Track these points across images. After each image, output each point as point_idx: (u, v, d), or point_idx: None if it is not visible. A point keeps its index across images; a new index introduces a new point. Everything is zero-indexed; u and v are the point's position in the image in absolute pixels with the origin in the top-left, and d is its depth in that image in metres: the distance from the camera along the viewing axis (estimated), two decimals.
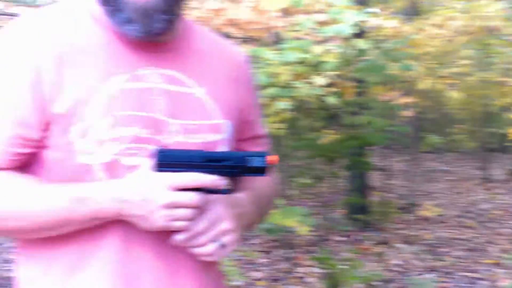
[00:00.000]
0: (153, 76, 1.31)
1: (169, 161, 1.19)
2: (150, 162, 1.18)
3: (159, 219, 1.16)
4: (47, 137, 1.25)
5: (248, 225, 1.42)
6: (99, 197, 1.19)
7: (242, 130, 1.49)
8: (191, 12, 5.46)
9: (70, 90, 1.23)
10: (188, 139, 1.32)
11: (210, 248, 1.25)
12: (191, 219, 1.19)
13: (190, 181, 1.17)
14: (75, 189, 1.20)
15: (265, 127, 1.60)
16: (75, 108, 1.22)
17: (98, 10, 1.30)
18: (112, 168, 1.25)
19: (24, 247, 1.37)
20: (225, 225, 1.26)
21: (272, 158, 1.27)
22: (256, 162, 1.25)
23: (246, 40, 5.93)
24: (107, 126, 1.24)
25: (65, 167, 1.24)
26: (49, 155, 1.26)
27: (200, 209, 1.20)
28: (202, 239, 1.25)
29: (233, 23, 5.24)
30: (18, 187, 1.23)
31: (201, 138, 1.34)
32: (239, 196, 1.38)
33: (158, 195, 1.15)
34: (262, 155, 1.26)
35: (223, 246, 1.26)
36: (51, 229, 1.24)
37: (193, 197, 1.17)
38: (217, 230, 1.25)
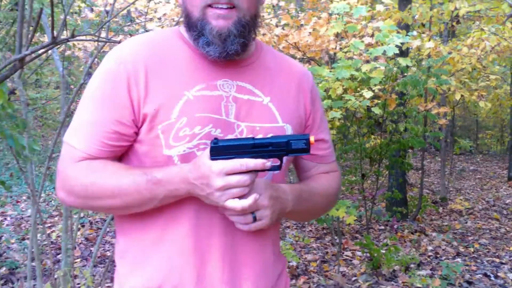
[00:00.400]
0: (226, 86, 1.36)
1: (222, 150, 1.19)
2: (208, 152, 1.19)
3: (217, 198, 1.19)
4: (139, 133, 1.31)
5: (288, 213, 1.38)
6: (171, 180, 1.23)
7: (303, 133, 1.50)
8: (262, 37, 5.50)
9: (158, 95, 1.30)
10: None
11: (246, 218, 1.28)
12: (242, 196, 1.20)
13: (239, 166, 1.17)
14: (154, 175, 1.24)
15: (327, 133, 1.57)
16: (161, 109, 1.29)
17: (185, 34, 1.39)
18: (188, 159, 1.29)
19: (119, 224, 1.44)
20: (263, 200, 1.27)
21: (313, 140, 1.25)
22: (299, 144, 1.24)
23: (305, 60, 5.92)
24: (186, 125, 1.29)
25: (151, 157, 1.30)
26: (140, 148, 1.33)
27: (250, 187, 1.21)
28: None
29: (295, 46, 5.25)
30: (112, 172, 1.28)
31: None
32: (283, 185, 1.38)
33: (213, 180, 1.17)
34: (304, 137, 1.24)
35: (255, 218, 1.28)
36: (137, 206, 1.29)
37: (241, 179, 1.17)
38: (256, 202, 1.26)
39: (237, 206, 1.22)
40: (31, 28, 2.37)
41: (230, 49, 1.30)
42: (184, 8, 1.36)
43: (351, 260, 5.52)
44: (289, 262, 5.04)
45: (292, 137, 1.25)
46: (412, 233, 6.59)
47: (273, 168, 1.26)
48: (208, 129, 1.31)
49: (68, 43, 3.94)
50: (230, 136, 1.33)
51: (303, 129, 1.49)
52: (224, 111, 1.34)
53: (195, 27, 1.31)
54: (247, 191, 1.20)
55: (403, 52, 6.67)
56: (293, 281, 4.81)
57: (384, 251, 5.18)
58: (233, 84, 1.37)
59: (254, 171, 1.21)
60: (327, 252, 5.75)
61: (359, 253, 5.67)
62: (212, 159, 1.19)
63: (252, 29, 1.37)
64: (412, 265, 5.26)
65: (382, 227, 6.88)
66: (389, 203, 7.32)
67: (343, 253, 5.68)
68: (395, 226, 6.78)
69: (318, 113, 1.53)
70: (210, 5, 1.28)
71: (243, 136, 1.35)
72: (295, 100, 1.46)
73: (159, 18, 6.89)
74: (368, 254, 5.37)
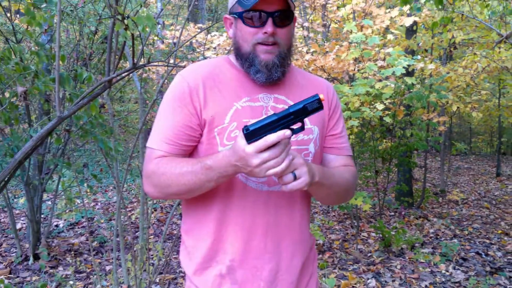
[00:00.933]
0: (266, 98, 1.38)
1: (254, 133, 1.14)
2: (241, 137, 1.14)
3: (258, 173, 1.14)
4: (201, 135, 1.34)
5: (317, 182, 1.29)
6: (219, 164, 1.20)
7: (325, 138, 1.49)
8: (295, 62, 5.49)
9: (214, 105, 1.32)
10: None
11: (287, 177, 1.20)
12: (280, 163, 1.13)
13: (264, 143, 1.11)
14: (206, 162, 1.22)
15: (343, 129, 1.53)
16: (216, 116, 1.31)
17: (234, 61, 1.42)
18: None
19: (185, 209, 1.46)
20: (297, 159, 1.20)
21: (322, 97, 1.19)
22: (314, 105, 1.18)
23: (330, 79, 5.87)
24: (236, 128, 1.31)
25: (209, 154, 1.30)
26: (200, 147, 1.35)
27: (284, 153, 1.14)
28: (281, 168, 1.18)
29: (321, 68, 5.21)
30: (177, 163, 1.28)
31: (297, 137, 1.38)
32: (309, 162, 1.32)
33: (250, 161, 1.12)
34: (315, 98, 1.18)
35: (295, 177, 1.20)
36: (198, 188, 1.27)
37: (272, 152, 1.12)
38: (292, 162, 1.19)
39: (276, 170, 1.16)
40: (116, 56, 2.42)
41: (274, 76, 1.34)
42: (236, 41, 1.38)
43: (367, 240, 5.45)
44: (317, 240, 5.01)
45: (305, 101, 1.19)
46: (416, 219, 6.45)
47: (296, 131, 1.20)
48: None
49: (145, 68, 4.01)
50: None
51: (326, 129, 1.49)
52: (265, 114, 1.35)
53: (246, 58, 1.34)
54: (283, 160, 1.13)
55: (409, 73, 6.54)
56: (320, 255, 4.77)
57: (393, 233, 5.10)
58: (270, 97, 1.38)
59: (282, 142, 1.15)
60: (347, 233, 5.69)
61: (373, 234, 5.60)
62: (249, 143, 1.14)
63: (289, 58, 1.39)
64: (416, 244, 5.16)
65: (392, 213, 6.77)
66: (397, 194, 7.20)
67: (360, 234, 5.61)
68: (403, 213, 6.67)
69: (337, 115, 1.51)
70: (259, 43, 1.32)
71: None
72: None
73: (215, 48, 6.94)
74: (380, 235, 5.29)
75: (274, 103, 1.38)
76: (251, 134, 1.14)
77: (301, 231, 1.45)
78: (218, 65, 1.41)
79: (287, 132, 1.12)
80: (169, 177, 1.27)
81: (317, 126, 1.43)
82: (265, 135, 1.13)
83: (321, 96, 1.17)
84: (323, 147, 1.51)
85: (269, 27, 1.29)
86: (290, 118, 1.17)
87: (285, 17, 1.31)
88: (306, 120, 1.39)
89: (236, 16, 1.35)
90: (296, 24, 6.77)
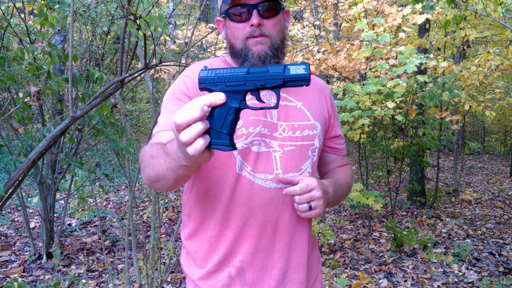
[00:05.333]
0: (268, 96, 1.40)
1: (208, 79, 1.01)
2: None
3: (182, 140, 0.93)
4: None
5: (329, 202, 1.39)
6: (173, 146, 1.04)
7: (327, 130, 1.52)
8: (306, 61, 5.47)
9: None
10: (293, 134, 1.37)
11: (302, 206, 1.28)
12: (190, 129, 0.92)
13: (192, 106, 0.92)
14: (167, 145, 1.10)
15: (341, 130, 1.60)
16: None
17: (230, 60, 1.44)
18: (246, 153, 1.32)
19: (187, 213, 1.44)
20: (315, 192, 1.27)
21: (314, 68, 1.03)
22: (299, 70, 1.00)
23: (341, 78, 5.85)
24: (242, 126, 1.31)
25: (216, 152, 1.29)
26: None
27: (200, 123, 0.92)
28: (299, 198, 1.28)
29: (333, 67, 5.19)
30: (154, 147, 1.19)
31: (302, 133, 1.39)
32: (324, 181, 1.38)
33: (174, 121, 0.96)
34: (303, 63, 1.02)
35: (311, 208, 1.28)
36: (164, 177, 1.12)
37: (189, 114, 0.91)
38: (309, 195, 1.27)
39: (290, 191, 1.26)
40: (129, 56, 2.44)
41: None
42: (229, 41, 1.40)
43: (378, 239, 5.42)
44: (328, 240, 4.99)
45: (290, 64, 1.02)
46: (429, 218, 6.40)
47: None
48: (259, 129, 1.33)
49: (156, 68, 4.03)
50: (275, 134, 1.35)
51: (327, 127, 1.53)
52: (269, 114, 1.36)
53: (239, 55, 1.35)
54: (202, 126, 0.91)
55: (422, 71, 6.49)
56: (331, 255, 4.75)
57: (405, 233, 5.07)
58: (273, 94, 1.40)
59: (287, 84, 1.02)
60: (359, 233, 5.66)
61: (385, 234, 5.56)
62: (201, 89, 1.03)
63: (282, 51, 1.39)
64: (429, 244, 5.12)
65: (404, 213, 6.72)
66: (410, 194, 7.15)
67: (372, 233, 5.58)
68: (415, 212, 6.62)
69: (336, 115, 1.58)
70: (248, 37, 1.32)
71: (285, 133, 1.36)
72: (320, 104, 1.49)
73: (226, 48, 6.95)
74: (392, 235, 5.26)
75: (275, 100, 1.39)
76: (204, 80, 1.03)
77: (308, 229, 1.46)
78: (216, 65, 1.44)
79: (218, 96, 0.94)
80: (145, 160, 1.20)
81: (319, 122, 1.45)
82: (220, 89, 1.01)
83: (312, 67, 1.02)
84: (326, 146, 1.56)
85: (254, 19, 1.30)
86: (264, 80, 1.01)
87: (270, 8, 1.32)
88: (308, 114, 1.41)
89: (224, 15, 1.37)
90: (307, 23, 6.76)
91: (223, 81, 1.01)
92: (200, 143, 0.91)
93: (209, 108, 0.94)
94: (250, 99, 1.31)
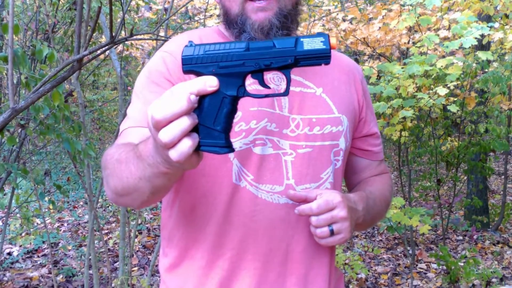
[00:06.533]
0: (277, 79, 1.37)
1: (193, 59, 1.00)
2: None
3: (160, 137, 0.92)
4: None
5: (358, 224, 1.38)
6: (147, 148, 1.03)
7: (357, 127, 1.52)
8: (328, 32, 5.48)
9: None
10: (310, 131, 1.36)
11: (320, 230, 1.26)
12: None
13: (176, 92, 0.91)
14: (139, 146, 1.08)
15: (376, 126, 1.59)
16: None
17: (224, 31, 1.44)
18: (245, 156, 1.31)
19: (167, 237, 1.45)
20: (338, 212, 1.26)
21: (334, 41, 1.00)
22: (316, 45, 0.99)
23: (375, 56, 5.85)
24: (241, 119, 1.30)
25: (208, 156, 1.22)
26: None
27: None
28: (316, 220, 1.26)
29: (364, 41, 5.20)
30: (121, 149, 1.18)
31: (323, 129, 1.38)
32: (351, 195, 1.38)
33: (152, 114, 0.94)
34: (321, 35, 1.00)
35: (333, 232, 1.26)
36: (135, 189, 1.12)
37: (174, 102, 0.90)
38: (330, 214, 1.25)
39: (305, 209, 1.25)
40: (89, 28, 2.45)
41: None
42: (222, 5, 1.39)
43: (425, 273, 5.41)
44: (357, 274, 4.99)
45: (302, 36, 1.00)
46: (494, 244, 6.39)
47: (274, 94, 1.05)
48: (263, 124, 1.32)
49: (126, 42, 4.04)
50: (285, 131, 1.35)
51: (357, 122, 1.52)
52: (277, 104, 1.35)
53: (235, 23, 1.34)
54: (189, 122, 0.89)
55: (484, 47, 6.48)
56: None
57: (462, 264, 5.06)
58: (283, 78, 1.37)
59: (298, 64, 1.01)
60: (399, 264, 5.66)
61: (434, 266, 5.56)
62: (186, 72, 1.02)
63: (295, 19, 1.38)
64: (494, 280, 5.11)
65: (460, 238, 6.72)
66: (468, 211, 7.14)
67: (416, 265, 5.58)
68: (475, 237, 6.61)
69: (370, 106, 1.56)
70: None
71: (300, 130, 1.36)
72: (348, 91, 1.48)
73: (218, 15, 6.97)
74: (444, 267, 5.25)
75: (293, 87, 1.38)
76: (190, 60, 1.01)
77: (330, 260, 1.45)
78: (206, 38, 1.43)
79: (209, 81, 0.93)
80: (109, 167, 1.19)
81: (346, 116, 1.44)
82: (211, 72, 1.00)
83: (333, 40, 1.00)
84: (356, 148, 1.55)
85: None
86: (269, 58, 1.00)
87: None
88: (330, 104, 1.40)
89: None
90: None
91: (215, 60, 1.00)
92: (187, 145, 0.89)
93: (197, 98, 0.92)
94: (251, 84, 1.30)
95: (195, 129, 0.92)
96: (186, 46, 1.02)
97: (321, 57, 1.00)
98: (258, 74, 1.03)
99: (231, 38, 1.42)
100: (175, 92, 0.89)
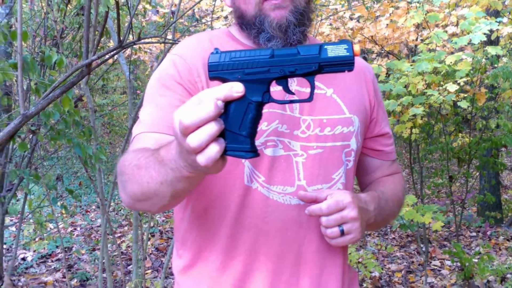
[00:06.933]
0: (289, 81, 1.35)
1: (219, 66, 1.02)
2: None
3: (188, 144, 0.92)
4: None
5: (369, 224, 1.38)
6: (170, 153, 1.04)
7: (368, 127, 1.52)
8: (336, 31, 5.48)
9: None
10: (321, 132, 1.36)
11: (330, 231, 1.26)
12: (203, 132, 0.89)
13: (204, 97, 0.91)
14: (160, 152, 1.09)
15: (388, 126, 1.58)
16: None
17: (237, 34, 1.44)
18: (256, 158, 1.27)
19: (181, 239, 1.45)
20: (348, 212, 1.26)
21: (358, 48, 1.02)
22: (339, 51, 1.01)
23: (383, 54, 5.84)
24: None
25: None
26: None
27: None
28: (326, 220, 1.26)
29: (371, 39, 5.19)
30: (140, 154, 1.19)
31: (334, 130, 1.38)
32: (362, 195, 1.38)
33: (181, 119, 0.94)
34: (344, 42, 1.02)
35: (343, 232, 1.26)
36: (155, 194, 1.13)
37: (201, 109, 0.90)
38: (340, 215, 1.25)
39: (315, 209, 1.25)
40: (97, 32, 2.46)
41: (293, 39, 1.33)
42: (237, 8, 1.40)
43: (439, 270, 5.39)
44: (371, 272, 4.98)
45: (326, 44, 1.02)
46: (508, 240, 6.36)
47: (276, 100, 1.04)
48: (275, 125, 1.32)
49: (134, 46, 4.05)
50: (296, 132, 1.35)
51: (369, 122, 1.52)
52: (288, 106, 1.35)
53: (252, 24, 1.35)
54: (216, 127, 0.89)
55: (493, 42, 6.44)
56: None
57: (476, 260, 5.03)
58: (293, 78, 1.37)
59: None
60: (412, 262, 5.64)
61: (448, 263, 5.53)
62: (212, 78, 1.04)
63: (309, 16, 1.39)
64: (509, 275, 5.08)
65: (474, 234, 6.69)
66: (481, 208, 7.11)
67: (430, 262, 5.55)
68: (489, 233, 6.57)
69: (381, 106, 1.56)
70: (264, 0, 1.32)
71: (310, 131, 1.36)
72: (359, 91, 1.48)
73: (226, 17, 6.97)
74: (458, 264, 5.23)
75: (298, 86, 1.39)
76: (216, 67, 1.03)
77: (343, 260, 1.46)
78: (218, 40, 1.43)
79: (236, 87, 0.94)
80: (127, 172, 1.20)
81: (358, 116, 1.44)
82: (236, 78, 1.01)
83: (356, 47, 1.02)
84: (367, 148, 1.56)
85: None
86: (294, 64, 1.02)
87: None
88: (341, 105, 1.40)
89: None
90: None
91: (241, 67, 1.02)
92: (214, 150, 0.89)
93: (224, 103, 0.93)
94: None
95: (221, 134, 0.93)
96: (212, 53, 1.04)
97: (345, 64, 1.02)
98: (282, 81, 1.05)
99: (244, 40, 1.42)
100: (202, 98, 0.90)
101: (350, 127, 1.41)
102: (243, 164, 1.31)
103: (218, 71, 1.03)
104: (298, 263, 1.35)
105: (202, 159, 0.90)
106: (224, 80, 1.02)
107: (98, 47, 2.44)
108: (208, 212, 1.35)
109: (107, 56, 2.53)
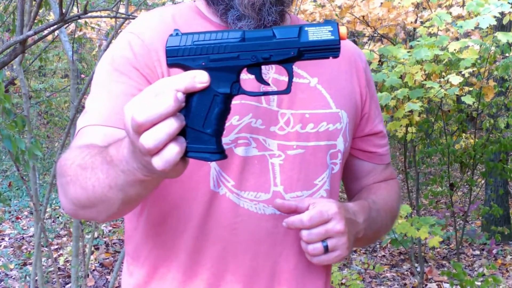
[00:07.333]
0: (264, 69, 1.35)
1: (179, 50, 1.00)
2: None
3: (143, 141, 0.91)
4: None
5: (358, 239, 1.38)
6: (121, 152, 1.03)
7: (359, 124, 1.52)
8: (321, 10, 5.49)
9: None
10: (303, 129, 1.36)
11: (312, 247, 1.26)
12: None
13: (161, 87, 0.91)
14: (109, 150, 1.07)
15: (382, 123, 1.59)
16: None
17: (204, 9, 1.42)
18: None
19: (131, 244, 1.45)
20: (334, 225, 1.25)
21: (344, 30, 1.01)
22: (323, 34, 1.00)
23: (376, 38, 5.88)
24: None
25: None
26: None
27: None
28: (308, 234, 1.26)
29: (363, 20, 5.21)
30: (85, 152, 1.17)
31: (318, 127, 1.37)
32: (350, 204, 1.38)
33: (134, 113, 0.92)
34: (330, 24, 1.01)
35: (327, 249, 1.25)
36: (101, 201, 1.12)
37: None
38: (324, 228, 1.25)
39: (295, 221, 1.24)
40: (34, 3, 2.43)
41: (267, 20, 1.31)
42: None
43: None
44: None
45: (307, 25, 1.01)
46: None
47: (249, 92, 1.03)
48: (247, 120, 1.32)
49: (79, 21, 4.02)
50: (273, 128, 1.34)
51: (359, 119, 1.52)
52: (264, 97, 1.35)
53: (220, 0, 1.33)
54: (176, 125, 0.88)
55: (504, 27, 6.53)
56: None
57: (479, 283, 5.10)
58: (272, 66, 1.37)
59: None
60: (405, 284, 5.70)
61: (447, 286, 5.60)
62: (169, 65, 1.03)
63: None
64: None
65: (477, 252, 6.77)
66: (486, 221, 7.20)
67: (426, 285, 5.61)
68: (494, 251, 6.66)
69: (375, 99, 1.57)
70: None
71: (290, 128, 1.36)
72: (348, 82, 1.48)
73: None
74: (458, 287, 5.29)
75: (276, 74, 1.38)
76: (176, 52, 1.01)
77: (325, 280, 1.46)
78: (181, 17, 1.41)
79: (199, 76, 0.94)
80: (69, 173, 1.17)
81: (346, 111, 1.44)
82: (200, 65, 1.00)
83: (343, 29, 1.01)
84: (357, 149, 1.56)
85: None
86: (269, 49, 1.01)
87: None
88: (327, 97, 1.40)
89: None
90: None
91: (205, 52, 1.00)
92: (173, 151, 0.88)
93: (184, 96, 0.92)
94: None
95: (181, 133, 0.92)
96: (171, 35, 1.02)
97: (329, 50, 1.01)
98: (255, 69, 1.04)
99: (212, 17, 1.40)
100: (159, 89, 0.89)
101: (337, 124, 1.40)
102: (209, 166, 1.30)
103: (178, 56, 1.01)
104: (272, 284, 1.35)
105: (159, 162, 0.88)
106: (185, 68, 1.00)
107: (36, 21, 2.41)
108: (166, 221, 1.35)
109: (45, 32, 2.50)
